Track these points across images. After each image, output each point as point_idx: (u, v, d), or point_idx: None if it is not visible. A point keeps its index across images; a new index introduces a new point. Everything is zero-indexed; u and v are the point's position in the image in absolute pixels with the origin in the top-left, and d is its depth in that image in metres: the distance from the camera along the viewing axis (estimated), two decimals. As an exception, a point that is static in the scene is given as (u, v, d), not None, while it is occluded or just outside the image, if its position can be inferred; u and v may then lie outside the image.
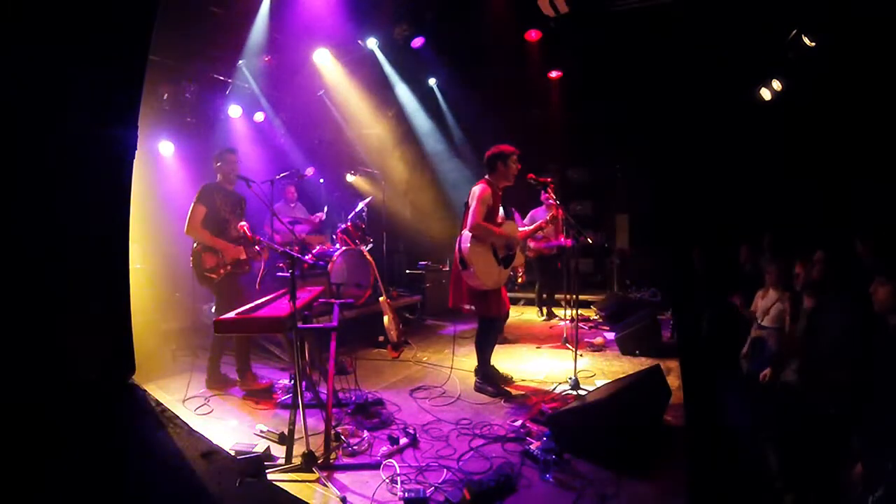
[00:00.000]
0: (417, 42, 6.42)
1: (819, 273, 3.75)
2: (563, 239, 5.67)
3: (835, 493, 2.79)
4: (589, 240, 4.05)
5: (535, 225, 4.02)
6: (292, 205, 5.96)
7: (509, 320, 6.58)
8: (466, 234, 3.59)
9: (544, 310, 6.69)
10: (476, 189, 3.67)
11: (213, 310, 4.24)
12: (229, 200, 3.90)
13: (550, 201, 4.05)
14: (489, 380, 3.80)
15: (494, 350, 3.96)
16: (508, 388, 3.77)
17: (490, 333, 3.89)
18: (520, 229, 3.93)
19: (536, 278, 6.63)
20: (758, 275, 5.13)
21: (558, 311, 6.66)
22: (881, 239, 4.20)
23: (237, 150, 4.03)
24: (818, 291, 3.56)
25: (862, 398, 2.73)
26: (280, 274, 4.83)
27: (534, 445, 2.65)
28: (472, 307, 3.79)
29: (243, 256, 3.86)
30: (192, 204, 3.72)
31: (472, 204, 3.59)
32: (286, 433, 2.64)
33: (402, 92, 7.54)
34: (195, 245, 3.76)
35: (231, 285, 3.84)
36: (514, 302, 7.50)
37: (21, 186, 1.81)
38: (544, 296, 6.69)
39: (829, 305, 3.40)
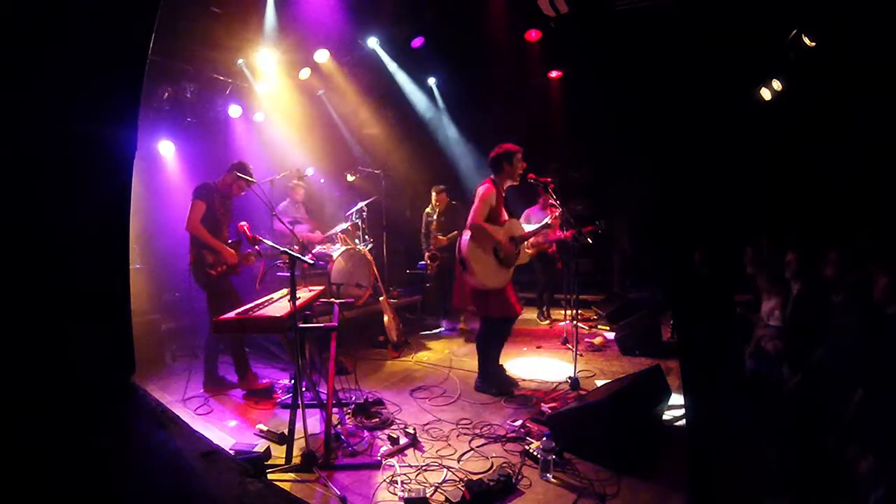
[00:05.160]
0: (417, 42, 6.42)
1: (833, 272, 3.74)
2: (560, 233, 5.68)
3: (836, 492, 2.79)
4: (589, 240, 4.05)
5: (541, 224, 4.00)
6: (297, 204, 5.95)
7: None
8: (466, 234, 3.59)
9: (545, 311, 6.68)
10: (480, 189, 3.65)
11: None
12: (224, 203, 3.95)
13: (550, 201, 4.04)
14: (490, 381, 3.78)
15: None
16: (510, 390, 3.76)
17: (492, 335, 3.80)
18: (525, 227, 3.92)
19: (538, 278, 6.63)
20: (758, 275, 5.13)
21: (557, 312, 6.66)
22: (885, 231, 4.20)
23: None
24: (831, 290, 3.54)
25: (865, 396, 2.72)
26: (280, 273, 4.83)
27: (534, 445, 2.65)
28: (474, 308, 3.78)
29: (236, 261, 3.90)
30: (192, 200, 3.73)
31: (475, 203, 3.58)
32: (286, 433, 2.65)
33: (403, 92, 7.54)
34: (194, 240, 3.78)
35: (226, 284, 3.88)
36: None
37: (20, 186, 1.81)
38: (544, 296, 6.68)
39: (833, 304, 3.39)
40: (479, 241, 3.56)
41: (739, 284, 5.24)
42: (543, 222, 4.00)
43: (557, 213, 3.88)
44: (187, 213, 3.69)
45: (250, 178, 3.79)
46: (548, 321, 6.55)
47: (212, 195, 3.80)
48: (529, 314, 6.91)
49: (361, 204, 5.91)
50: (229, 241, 3.93)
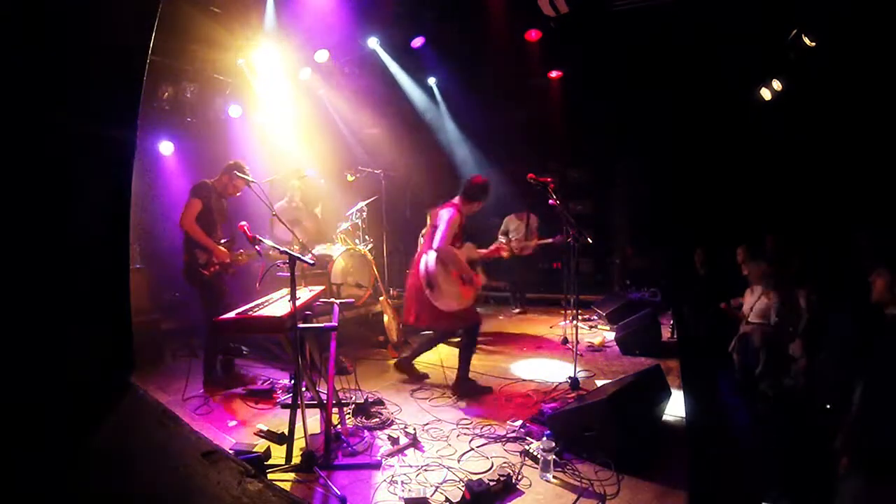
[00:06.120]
0: (417, 42, 6.42)
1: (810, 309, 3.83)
2: (538, 241, 6.52)
3: (834, 491, 2.79)
4: (589, 240, 4.06)
5: (493, 247, 4.07)
6: (294, 204, 5.95)
7: (511, 320, 6.65)
8: (433, 255, 3.58)
9: (519, 303, 7.13)
10: (445, 213, 3.65)
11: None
12: (219, 203, 3.96)
13: (551, 202, 4.03)
14: (467, 390, 3.73)
15: (496, 350, 3.93)
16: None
17: (473, 343, 3.85)
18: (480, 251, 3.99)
19: (513, 277, 7.11)
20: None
21: (557, 312, 6.69)
22: (883, 233, 4.25)
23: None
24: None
25: (864, 396, 2.73)
26: (280, 273, 4.82)
27: (534, 445, 2.65)
28: (447, 326, 3.80)
29: (228, 260, 3.91)
30: (189, 197, 3.74)
31: (441, 227, 3.57)
32: (286, 433, 2.65)
33: (403, 92, 7.54)
34: (188, 238, 3.77)
35: (219, 284, 3.90)
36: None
37: (20, 186, 1.81)
38: (517, 294, 7.16)
39: (832, 305, 3.41)
40: (445, 264, 3.59)
41: (737, 285, 5.25)
42: (492, 248, 4.06)
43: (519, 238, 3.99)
44: (183, 209, 3.72)
45: (250, 178, 3.78)
46: (523, 312, 6.96)
47: (209, 194, 3.83)
48: (529, 314, 6.94)
49: (361, 204, 5.90)
50: (222, 241, 3.93)
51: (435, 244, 3.55)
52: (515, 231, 6.81)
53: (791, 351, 4.12)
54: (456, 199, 3.76)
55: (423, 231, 5.86)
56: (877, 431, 2.50)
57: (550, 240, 6.49)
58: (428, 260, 3.60)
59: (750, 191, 7.23)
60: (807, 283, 4.11)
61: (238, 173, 3.82)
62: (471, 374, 3.87)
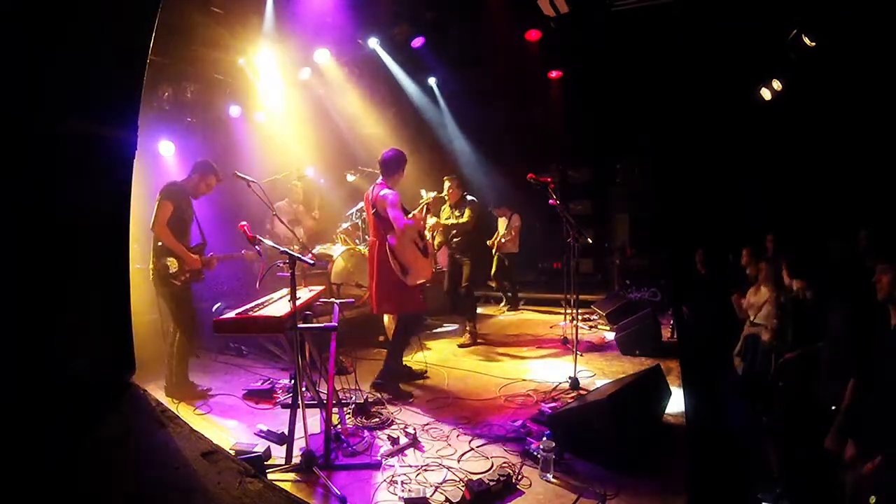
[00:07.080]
0: (417, 42, 6.42)
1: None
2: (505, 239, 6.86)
3: (832, 490, 2.79)
4: (589, 240, 4.07)
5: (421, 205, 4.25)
6: (294, 205, 5.96)
7: (510, 320, 6.65)
8: (395, 241, 3.58)
9: (512, 301, 7.27)
10: (389, 195, 3.61)
11: (215, 310, 4.20)
12: (190, 207, 3.79)
13: (551, 202, 4.03)
14: (394, 380, 3.79)
15: (497, 350, 3.94)
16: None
17: (417, 327, 3.99)
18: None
19: (503, 276, 7.22)
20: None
21: (557, 311, 6.69)
22: (884, 230, 4.25)
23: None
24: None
25: (863, 394, 2.72)
26: (281, 274, 4.83)
27: (534, 445, 2.65)
28: (404, 309, 3.87)
29: (198, 266, 3.76)
30: (159, 200, 3.56)
31: (392, 211, 3.56)
32: (286, 433, 2.65)
33: (403, 91, 7.54)
34: (158, 244, 3.61)
35: (188, 292, 3.78)
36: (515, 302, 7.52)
37: (20, 186, 1.81)
38: (508, 294, 7.29)
39: (831, 303, 3.40)
40: (407, 240, 3.64)
41: (737, 285, 5.24)
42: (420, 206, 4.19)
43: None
44: (153, 212, 3.54)
45: (249, 179, 3.76)
46: (513, 308, 7.12)
47: (180, 196, 3.66)
48: (529, 314, 6.93)
49: (361, 204, 5.90)
50: (192, 246, 3.77)
51: (397, 227, 3.56)
52: (503, 227, 7.00)
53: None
54: (380, 181, 3.80)
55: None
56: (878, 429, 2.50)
57: (504, 239, 6.80)
58: (392, 248, 3.61)
59: (749, 190, 7.23)
60: (802, 281, 4.10)
61: (239, 174, 3.80)
62: (473, 375, 3.88)
